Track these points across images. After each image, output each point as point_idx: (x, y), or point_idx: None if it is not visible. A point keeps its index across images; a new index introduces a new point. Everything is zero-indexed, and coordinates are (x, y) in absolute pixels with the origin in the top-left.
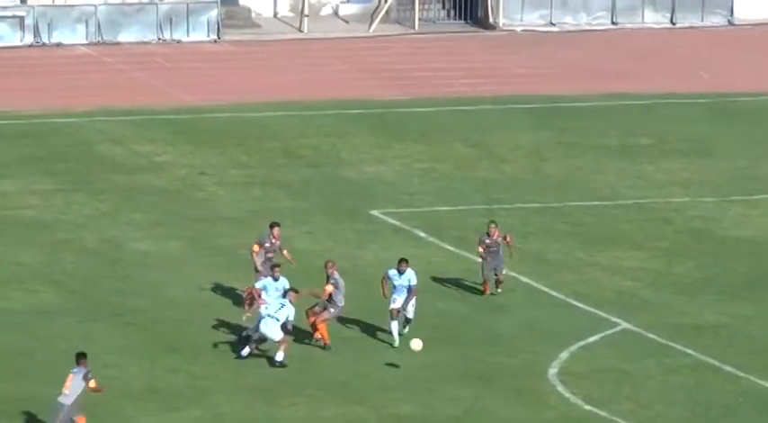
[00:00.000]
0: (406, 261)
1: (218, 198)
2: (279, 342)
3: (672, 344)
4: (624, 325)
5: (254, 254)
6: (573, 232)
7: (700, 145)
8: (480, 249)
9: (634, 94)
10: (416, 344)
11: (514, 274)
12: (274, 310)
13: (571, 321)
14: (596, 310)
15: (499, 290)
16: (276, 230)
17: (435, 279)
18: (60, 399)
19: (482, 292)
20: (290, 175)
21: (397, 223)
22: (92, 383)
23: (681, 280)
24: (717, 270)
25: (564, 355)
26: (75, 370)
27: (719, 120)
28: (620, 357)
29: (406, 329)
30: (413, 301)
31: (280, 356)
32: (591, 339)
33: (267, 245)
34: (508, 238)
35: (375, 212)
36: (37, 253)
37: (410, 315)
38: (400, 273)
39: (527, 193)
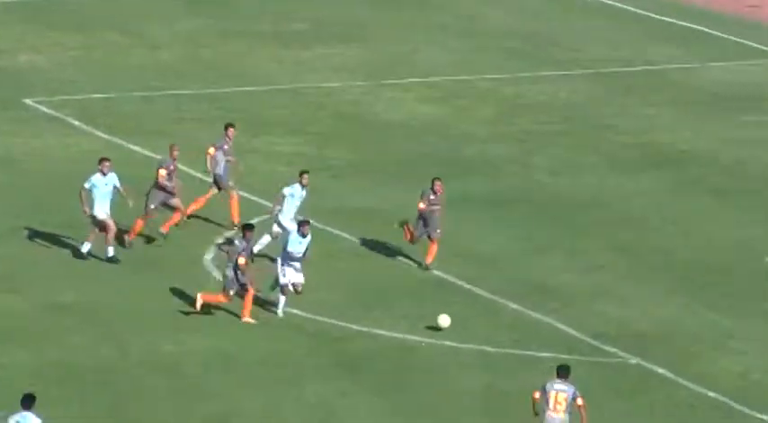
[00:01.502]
0: (309, 223)
1: None
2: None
3: (329, 229)
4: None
5: (209, 156)
6: (227, 118)
7: (355, 30)
8: (422, 206)
9: None
10: (445, 320)
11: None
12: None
13: (225, 208)
14: (252, 196)
15: (431, 262)
16: (231, 131)
17: (92, 167)
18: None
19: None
20: None
21: (51, 112)
22: (241, 260)
23: (335, 164)
24: (370, 154)
25: (220, 241)
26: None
27: (376, 4)
28: (273, 242)
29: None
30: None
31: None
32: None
33: (226, 147)
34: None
35: (28, 101)
36: None
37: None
38: (303, 236)
39: (181, 79)
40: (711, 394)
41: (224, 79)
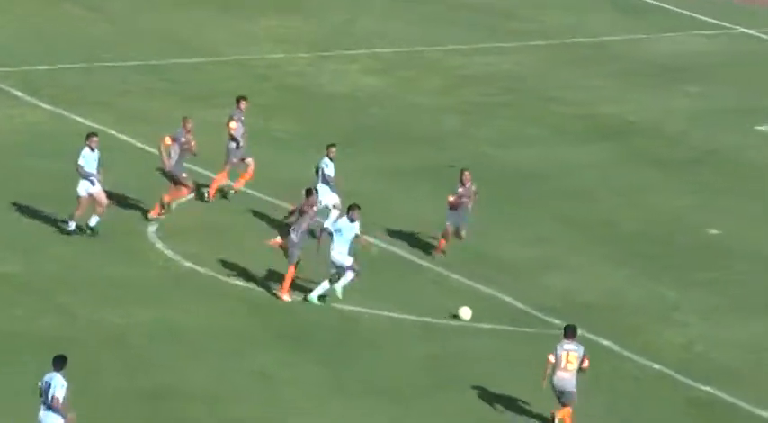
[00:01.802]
0: (359, 207)
1: None
2: None
3: (274, 200)
4: (225, 182)
5: (233, 131)
6: (173, 90)
7: (296, 1)
8: (452, 199)
9: None
10: (466, 313)
11: (112, 132)
12: None
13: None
14: (194, 167)
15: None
16: (243, 103)
17: (37, 139)
18: None
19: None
20: None
21: None
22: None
23: (280, 136)
24: (315, 125)
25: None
26: None
27: None
28: (218, 213)
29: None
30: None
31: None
32: (191, 196)
33: (243, 118)
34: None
35: None
36: None
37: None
38: (352, 221)
39: (126, 50)
40: (656, 366)
41: (169, 51)
